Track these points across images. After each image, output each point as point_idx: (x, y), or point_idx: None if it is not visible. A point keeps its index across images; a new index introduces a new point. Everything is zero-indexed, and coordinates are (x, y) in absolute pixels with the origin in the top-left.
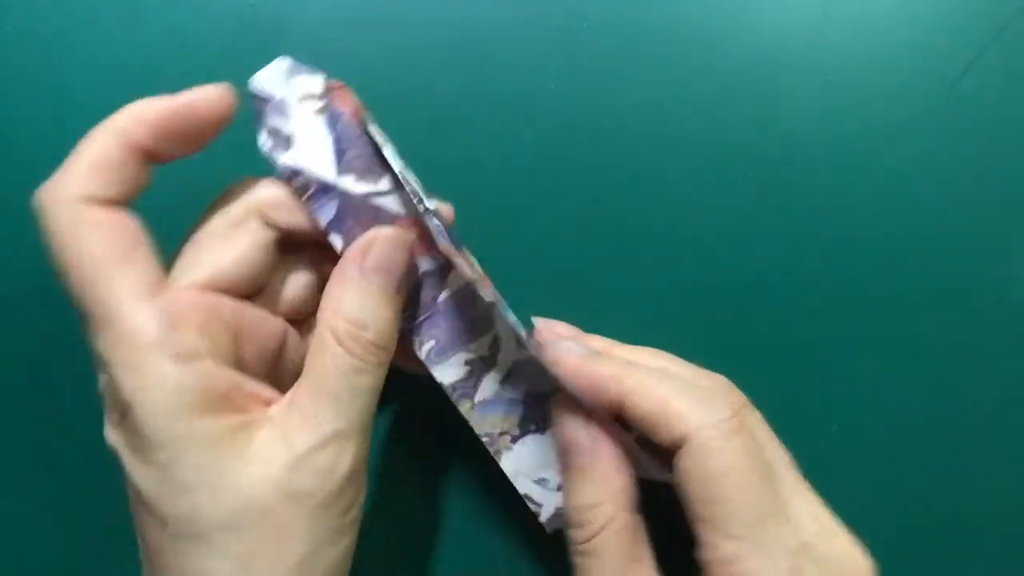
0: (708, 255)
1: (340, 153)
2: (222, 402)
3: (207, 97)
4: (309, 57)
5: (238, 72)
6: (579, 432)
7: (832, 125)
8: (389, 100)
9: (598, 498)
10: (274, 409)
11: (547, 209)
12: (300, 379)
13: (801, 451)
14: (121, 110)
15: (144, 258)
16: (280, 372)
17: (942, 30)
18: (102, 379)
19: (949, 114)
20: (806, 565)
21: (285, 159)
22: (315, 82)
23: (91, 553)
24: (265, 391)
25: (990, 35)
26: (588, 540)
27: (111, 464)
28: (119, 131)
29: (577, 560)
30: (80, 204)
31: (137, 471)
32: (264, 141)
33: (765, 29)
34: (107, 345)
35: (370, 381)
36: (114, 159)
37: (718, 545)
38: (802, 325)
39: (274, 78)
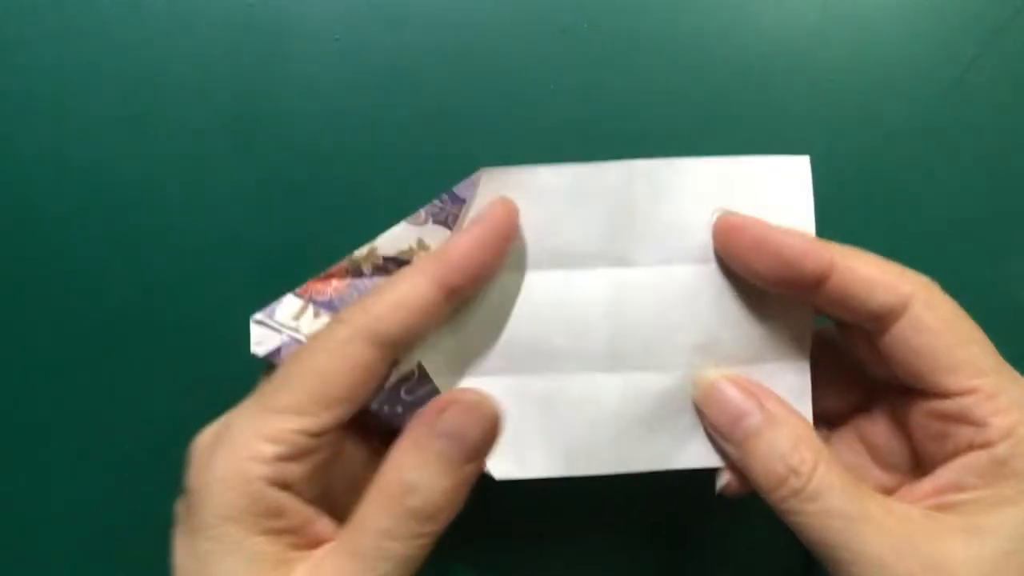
0: None
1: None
2: (284, 531)
3: (504, 217)
4: (309, 57)
5: (238, 72)
6: (740, 396)
7: (832, 125)
8: (389, 100)
9: (797, 437)
10: (320, 551)
11: None
12: (346, 524)
13: None
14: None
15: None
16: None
17: (942, 30)
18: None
19: (949, 114)
20: None
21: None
22: (289, 304)
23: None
24: (329, 530)
25: (990, 35)
26: (810, 480)
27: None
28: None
29: (804, 507)
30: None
31: (181, 547)
32: None
33: (765, 29)
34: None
35: (401, 549)
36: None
37: (975, 385)
38: None
39: (263, 334)
